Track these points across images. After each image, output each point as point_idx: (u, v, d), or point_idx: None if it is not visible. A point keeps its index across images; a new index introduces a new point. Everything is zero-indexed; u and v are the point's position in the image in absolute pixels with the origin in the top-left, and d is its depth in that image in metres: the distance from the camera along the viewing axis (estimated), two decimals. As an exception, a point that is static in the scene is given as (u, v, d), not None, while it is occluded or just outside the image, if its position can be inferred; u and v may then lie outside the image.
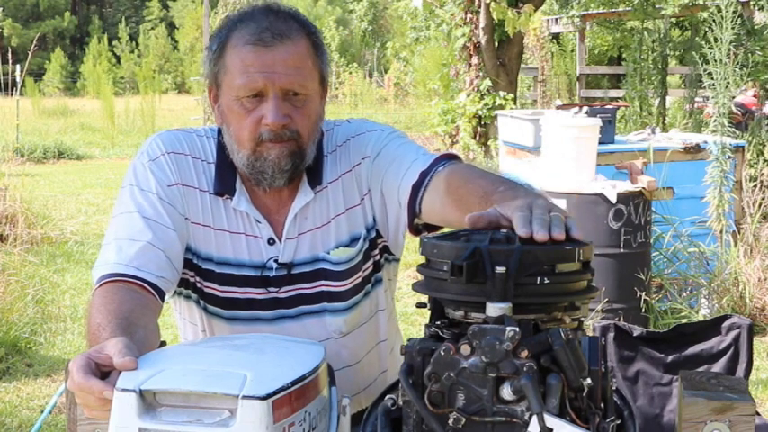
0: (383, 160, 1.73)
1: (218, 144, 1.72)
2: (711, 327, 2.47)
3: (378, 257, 1.79)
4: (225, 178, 1.69)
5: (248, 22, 1.63)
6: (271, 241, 1.70)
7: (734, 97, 5.58)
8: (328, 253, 1.72)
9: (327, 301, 1.73)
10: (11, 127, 13.69)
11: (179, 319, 1.82)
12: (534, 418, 1.07)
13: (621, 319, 4.33)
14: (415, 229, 1.69)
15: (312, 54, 1.66)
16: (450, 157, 1.68)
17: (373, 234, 1.76)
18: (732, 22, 5.19)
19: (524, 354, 1.09)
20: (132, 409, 1.11)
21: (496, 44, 9.78)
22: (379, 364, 1.85)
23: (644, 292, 4.67)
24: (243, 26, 1.63)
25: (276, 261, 1.70)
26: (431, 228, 1.68)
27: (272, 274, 1.70)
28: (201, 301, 1.73)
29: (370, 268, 1.78)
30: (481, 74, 9.73)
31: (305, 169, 1.70)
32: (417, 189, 1.65)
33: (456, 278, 1.12)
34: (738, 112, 8.40)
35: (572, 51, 13.91)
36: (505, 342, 1.08)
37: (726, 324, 2.45)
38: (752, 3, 8.54)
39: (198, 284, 1.72)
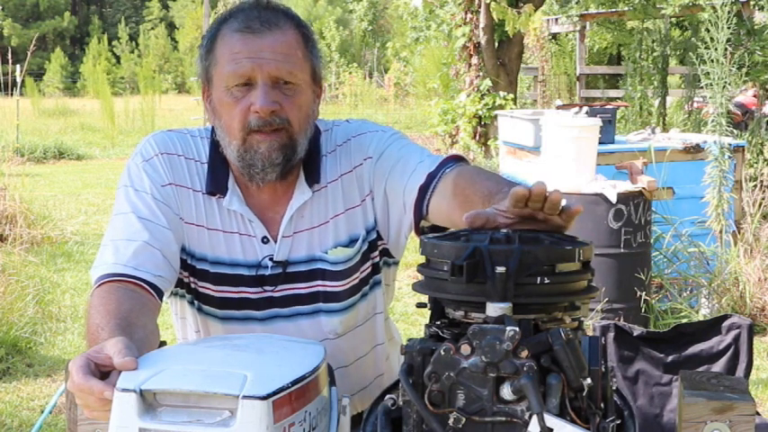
0: (386, 161, 1.72)
1: (211, 144, 1.72)
2: (711, 327, 2.47)
3: (377, 259, 1.78)
4: (217, 177, 1.69)
5: (237, 14, 1.64)
6: (264, 240, 1.70)
7: (733, 97, 5.58)
8: (326, 253, 1.71)
9: (323, 301, 1.72)
10: (11, 127, 13.70)
11: (174, 318, 1.82)
12: (534, 418, 1.07)
13: (621, 319, 4.33)
14: (422, 231, 1.68)
15: (302, 45, 1.65)
16: (457, 159, 1.68)
17: (374, 236, 1.76)
18: (728, 21, 5.19)
19: (524, 354, 1.09)
20: (132, 410, 1.11)
21: (496, 44, 9.79)
22: (375, 367, 1.85)
23: (644, 292, 4.67)
24: (232, 19, 1.64)
25: (271, 259, 1.70)
26: (437, 229, 1.67)
27: (268, 272, 1.70)
28: (196, 302, 1.73)
29: (369, 270, 1.77)
30: (481, 74, 9.73)
31: (302, 167, 1.70)
32: (425, 190, 1.64)
33: (456, 278, 1.12)
34: (738, 112, 8.40)
35: (572, 51, 13.90)
36: (505, 342, 1.08)
37: (726, 324, 2.45)
38: (752, 3, 8.53)
39: (192, 285, 1.72)
